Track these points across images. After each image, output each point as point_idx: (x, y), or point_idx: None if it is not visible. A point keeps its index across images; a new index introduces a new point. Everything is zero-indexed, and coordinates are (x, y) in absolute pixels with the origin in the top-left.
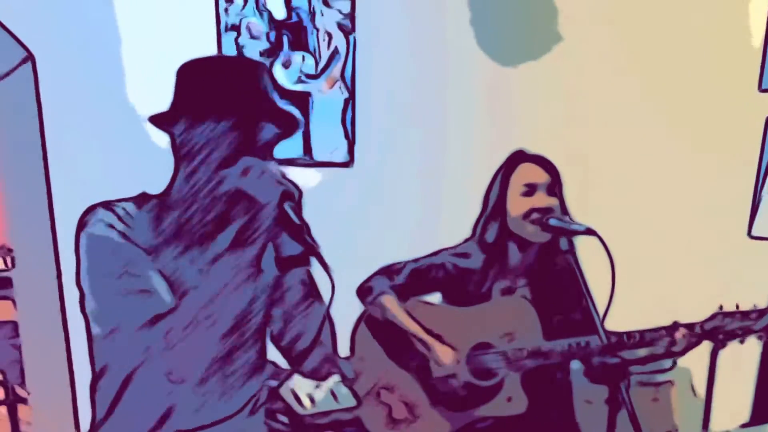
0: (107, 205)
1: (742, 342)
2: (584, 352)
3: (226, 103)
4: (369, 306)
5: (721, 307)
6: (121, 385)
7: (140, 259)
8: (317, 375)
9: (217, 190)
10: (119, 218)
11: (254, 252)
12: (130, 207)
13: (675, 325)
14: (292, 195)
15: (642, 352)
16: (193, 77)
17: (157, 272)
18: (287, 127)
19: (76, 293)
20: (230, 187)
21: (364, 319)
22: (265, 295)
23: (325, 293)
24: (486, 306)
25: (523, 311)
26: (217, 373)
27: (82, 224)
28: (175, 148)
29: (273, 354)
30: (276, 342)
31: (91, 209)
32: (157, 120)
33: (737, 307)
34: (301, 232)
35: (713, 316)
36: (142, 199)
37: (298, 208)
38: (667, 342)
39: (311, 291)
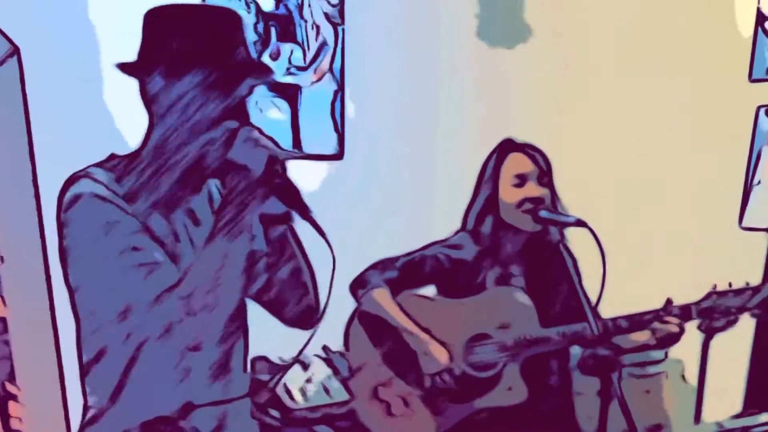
0: (91, 176)
1: (735, 321)
2: (581, 338)
3: (202, 54)
4: (361, 301)
5: (714, 287)
6: (125, 368)
7: (138, 230)
8: (302, 325)
9: (203, 156)
10: (106, 188)
11: (245, 215)
12: (107, 173)
13: (667, 307)
14: (277, 158)
15: (632, 343)
16: (164, 25)
17: (154, 241)
18: (263, 78)
19: (65, 288)
20: (216, 155)
21: (357, 316)
22: (255, 254)
23: (324, 259)
24: (481, 297)
25: (518, 300)
26: (224, 342)
27: (70, 201)
28: (146, 98)
29: (266, 351)
30: (257, 298)
31: (73, 180)
32: (126, 68)
33: (730, 285)
34: (294, 195)
35: (708, 296)
36: (115, 162)
37: (284, 171)
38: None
39: (294, 246)
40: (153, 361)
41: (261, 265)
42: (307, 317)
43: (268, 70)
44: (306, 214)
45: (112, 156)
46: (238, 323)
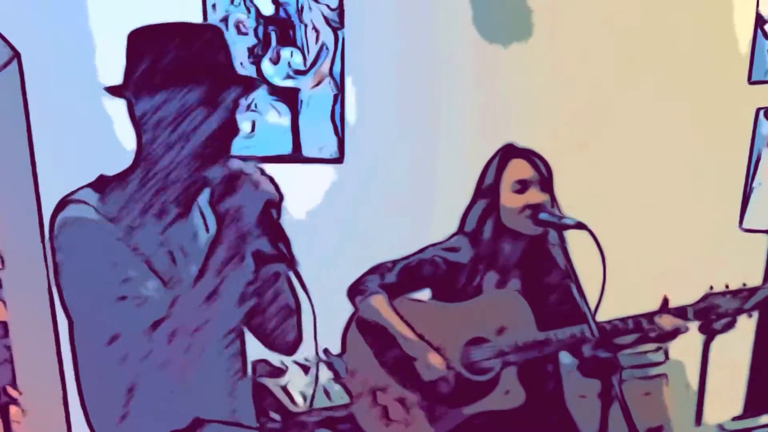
0: (80, 200)
1: (733, 324)
2: (579, 341)
3: (185, 72)
4: (359, 307)
5: (711, 288)
6: (127, 394)
7: (128, 258)
8: (290, 353)
9: (193, 177)
10: (96, 211)
11: (237, 252)
12: (97, 195)
13: (663, 308)
14: (274, 202)
15: (630, 337)
16: (146, 45)
17: (148, 270)
18: (248, 90)
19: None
20: (215, 195)
21: (355, 320)
22: (245, 285)
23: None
24: (478, 300)
25: (515, 304)
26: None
27: (60, 226)
28: (134, 119)
29: (264, 352)
30: (246, 325)
31: (63, 205)
32: (113, 90)
33: (727, 287)
34: (284, 245)
35: (704, 297)
36: (104, 185)
37: (278, 213)
38: (654, 328)
39: (282, 279)
40: (153, 386)
41: (249, 294)
42: (290, 347)
43: (253, 82)
44: (292, 265)
45: (102, 177)
46: (235, 346)
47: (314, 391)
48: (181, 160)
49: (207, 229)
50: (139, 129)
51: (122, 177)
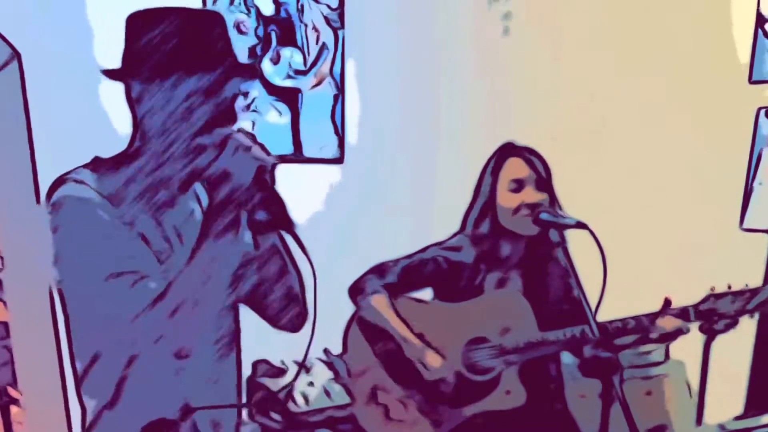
0: (76, 178)
1: (735, 324)
2: (580, 342)
3: (184, 57)
4: (360, 306)
5: (712, 289)
6: (120, 373)
7: (124, 236)
8: (293, 329)
9: (190, 159)
10: (93, 190)
11: (232, 221)
12: (93, 175)
13: (664, 309)
14: (267, 169)
15: (631, 338)
16: (146, 29)
17: (144, 246)
18: (249, 78)
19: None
20: (206, 160)
21: (356, 320)
22: (242, 258)
23: (306, 273)
24: (479, 300)
25: (517, 304)
26: (214, 344)
27: (55, 205)
28: (131, 102)
29: (264, 352)
30: (246, 300)
31: (58, 183)
32: (110, 73)
33: (729, 287)
34: (279, 209)
35: (706, 298)
36: (99, 166)
37: (272, 180)
38: (656, 329)
39: (282, 250)
40: (147, 366)
41: (249, 268)
42: (295, 321)
43: (254, 70)
44: (290, 228)
45: (97, 158)
46: (230, 326)
47: (302, 361)
48: (177, 144)
49: (201, 208)
50: (135, 112)
51: (118, 158)
